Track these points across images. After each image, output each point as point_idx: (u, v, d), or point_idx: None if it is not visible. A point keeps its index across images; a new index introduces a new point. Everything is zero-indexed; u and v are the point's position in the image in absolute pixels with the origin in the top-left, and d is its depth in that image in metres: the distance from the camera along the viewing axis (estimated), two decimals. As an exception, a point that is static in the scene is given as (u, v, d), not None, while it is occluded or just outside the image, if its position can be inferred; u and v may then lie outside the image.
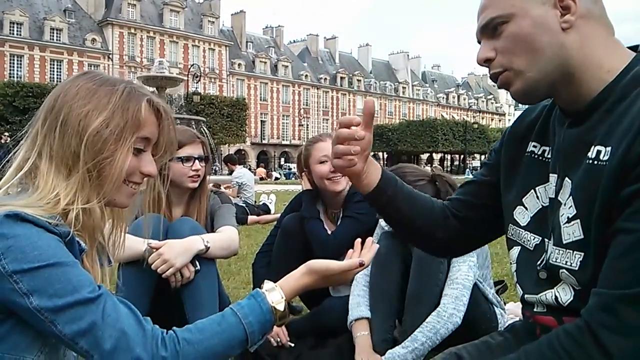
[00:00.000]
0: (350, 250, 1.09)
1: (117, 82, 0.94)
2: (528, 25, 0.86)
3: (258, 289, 0.98)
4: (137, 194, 0.98)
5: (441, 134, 46.76)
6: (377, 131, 52.32)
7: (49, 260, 0.79)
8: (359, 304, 1.89)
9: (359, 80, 69.18)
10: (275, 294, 0.97)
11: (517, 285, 1.00)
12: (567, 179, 0.89)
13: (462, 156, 47.33)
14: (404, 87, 73.71)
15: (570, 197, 0.86)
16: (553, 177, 0.93)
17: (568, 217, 0.86)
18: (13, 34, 43.82)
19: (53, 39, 45.66)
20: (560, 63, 0.86)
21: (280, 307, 0.96)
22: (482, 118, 54.65)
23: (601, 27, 0.88)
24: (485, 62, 0.92)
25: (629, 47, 0.91)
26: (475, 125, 48.45)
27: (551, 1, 0.86)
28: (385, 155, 53.61)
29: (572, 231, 0.85)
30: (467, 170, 39.86)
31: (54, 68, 44.90)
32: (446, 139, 45.98)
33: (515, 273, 1.01)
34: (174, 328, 0.86)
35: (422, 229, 1.13)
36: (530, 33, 0.86)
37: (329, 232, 2.14)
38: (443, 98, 77.16)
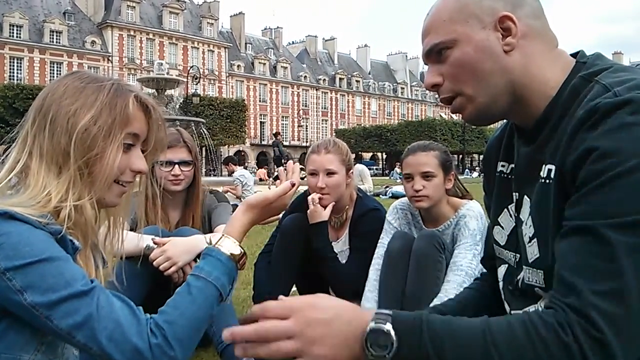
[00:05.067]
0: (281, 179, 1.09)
1: (104, 80, 0.94)
2: (471, 51, 0.85)
3: (208, 245, 0.98)
4: (127, 192, 0.98)
5: (440, 134, 46.73)
6: (375, 132, 52.31)
7: (41, 256, 0.79)
8: (367, 299, 1.93)
9: (357, 81, 69.16)
10: (226, 241, 0.99)
11: (505, 302, 1.01)
12: (525, 197, 0.90)
13: (460, 156, 47.33)
14: (402, 88, 73.70)
15: (530, 217, 0.87)
16: (516, 196, 0.94)
17: (529, 237, 0.87)
18: (13, 36, 43.83)
19: (53, 42, 45.68)
20: (507, 86, 0.86)
21: (236, 251, 0.98)
22: (482, 118, 54.85)
23: (544, 42, 0.87)
24: (433, 87, 0.92)
25: (572, 55, 0.90)
26: (474, 126, 48.49)
27: (491, 24, 0.85)
28: (384, 156, 53.62)
29: (533, 250, 0.86)
30: (466, 170, 39.87)
31: (53, 70, 44.88)
32: (445, 139, 45.93)
33: (502, 290, 1.02)
34: (152, 315, 0.86)
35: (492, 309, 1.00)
36: (473, 59, 0.85)
37: (342, 262, 2.15)
38: (442, 98, 77.15)
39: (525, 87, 0.86)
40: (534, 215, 0.86)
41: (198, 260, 1.73)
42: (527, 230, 0.88)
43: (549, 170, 0.82)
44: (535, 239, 0.85)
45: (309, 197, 2.11)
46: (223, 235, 0.99)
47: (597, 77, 0.80)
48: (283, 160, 13.55)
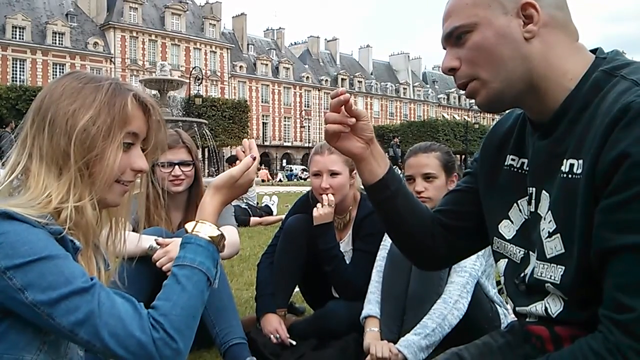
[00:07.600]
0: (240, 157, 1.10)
1: (102, 80, 0.94)
2: (491, 35, 0.85)
3: (185, 234, 0.98)
4: (129, 191, 0.98)
5: (442, 135, 46.68)
6: (378, 132, 52.22)
7: (40, 254, 0.79)
8: (369, 301, 1.92)
9: (359, 82, 69.09)
10: (202, 226, 0.98)
11: (508, 297, 1.00)
12: (544, 192, 0.88)
13: (463, 156, 47.26)
14: (404, 88, 73.60)
15: (550, 212, 0.86)
16: (531, 190, 0.93)
17: (549, 232, 0.86)
18: (15, 38, 43.93)
19: (55, 43, 45.76)
20: (524, 73, 0.86)
21: (214, 233, 0.98)
22: (483, 118, 54.67)
23: (565, 33, 0.87)
24: (450, 71, 0.91)
25: (590, 50, 0.90)
26: (476, 126, 48.36)
27: (514, 10, 0.85)
28: (387, 156, 53.49)
29: (554, 245, 0.85)
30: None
31: (56, 72, 44.90)
32: (447, 140, 45.87)
33: (504, 286, 1.01)
34: (148, 310, 0.86)
35: (414, 234, 1.10)
36: (493, 44, 0.85)
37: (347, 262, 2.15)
38: (444, 98, 76.98)
39: (542, 76, 0.85)
40: (556, 211, 0.84)
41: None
42: (547, 225, 0.86)
43: (572, 165, 0.80)
44: (557, 235, 0.84)
45: (324, 197, 2.09)
46: (198, 221, 0.99)
47: (621, 72, 0.79)
48: (399, 162, 13.86)
